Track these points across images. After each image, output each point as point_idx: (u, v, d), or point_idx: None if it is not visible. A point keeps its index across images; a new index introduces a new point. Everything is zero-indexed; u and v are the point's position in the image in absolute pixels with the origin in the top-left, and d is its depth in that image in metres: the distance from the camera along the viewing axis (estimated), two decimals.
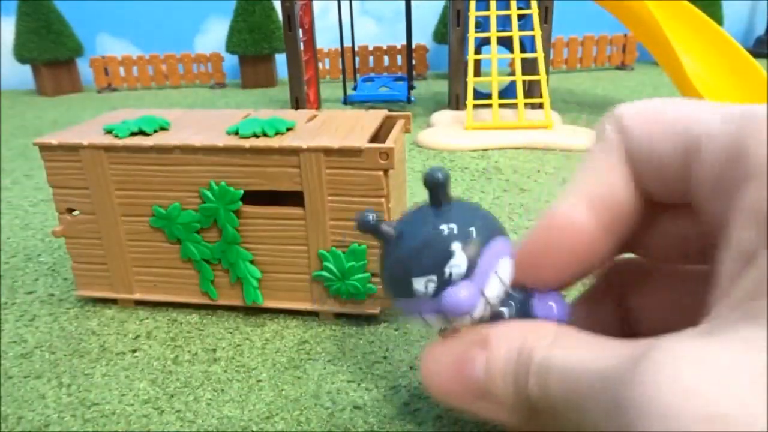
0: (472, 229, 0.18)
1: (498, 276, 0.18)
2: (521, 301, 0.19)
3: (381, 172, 0.29)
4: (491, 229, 0.19)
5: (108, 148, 0.31)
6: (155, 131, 0.32)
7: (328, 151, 0.29)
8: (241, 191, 0.31)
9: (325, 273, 0.32)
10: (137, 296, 0.34)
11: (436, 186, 0.18)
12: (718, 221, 0.16)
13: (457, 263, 0.18)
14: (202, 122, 0.34)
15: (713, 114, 0.17)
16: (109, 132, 0.32)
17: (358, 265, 0.31)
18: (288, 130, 0.32)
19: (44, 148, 0.32)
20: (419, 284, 0.18)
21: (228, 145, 0.30)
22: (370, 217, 0.19)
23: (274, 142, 0.30)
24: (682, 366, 0.12)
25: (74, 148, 0.31)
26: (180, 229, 0.32)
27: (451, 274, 0.18)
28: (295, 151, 0.30)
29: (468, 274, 0.18)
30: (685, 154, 0.17)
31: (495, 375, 0.18)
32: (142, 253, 0.33)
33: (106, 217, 0.33)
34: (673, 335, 0.14)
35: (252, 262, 0.32)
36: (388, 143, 0.29)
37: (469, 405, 0.19)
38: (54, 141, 0.32)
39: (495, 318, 0.19)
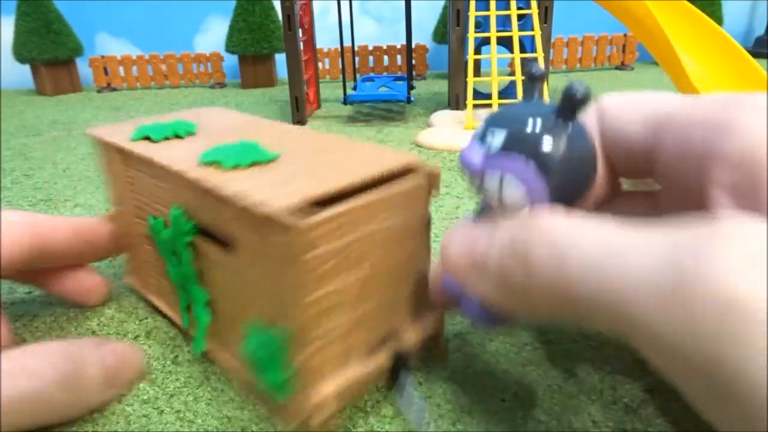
0: (536, 141, 0.19)
1: (502, 184, 0.20)
2: None
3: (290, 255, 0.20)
4: (548, 159, 0.19)
5: (119, 150, 0.31)
6: (179, 137, 0.31)
7: (244, 209, 0.22)
8: (191, 224, 0.26)
9: (245, 349, 0.25)
10: (150, 297, 0.35)
11: (568, 100, 0.19)
12: (682, 180, 0.21)
13: (497, 140, 0.20)
14: (226, 133, 0.31)
15: (677, 97, 0.22)
16: (142, 136, 0.31)
17: (271, 359, 0.23)
18: (270, 161, 0.26)
19: (93, 138, 0.33)
20: (480, 128, 0.21)
21: (179, 170, 0.25)
22: (536, 71, 0.22)
23: (221, 179, 0.24)
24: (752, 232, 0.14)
25: (102, 144, 0.33)
26: (162, 247, 0.29)
27: (491, 145, 0.20)
28: (224, 200, 0.23)
29: (497, 151, 0.20)
30: (654, 129, 0.22)
31: (491, 253, 0.20)
32: (145, 257, 0.33)
33: (128, 215, 0.33)
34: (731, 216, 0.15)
35: (207, 304, 0.28)
36: (326, 212, 0.21)
37: (470, 280, 0.21)
38: (94, 133, 0.33)
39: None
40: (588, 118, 0.24)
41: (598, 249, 0.16)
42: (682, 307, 0.14)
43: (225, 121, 0.35)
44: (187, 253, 0.27)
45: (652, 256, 0.15)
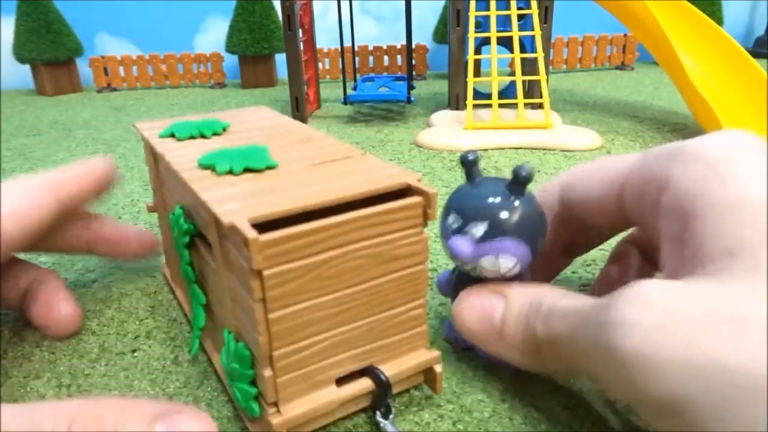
0: (511, 222, 0.24)
1: (498, 261, 0.24)
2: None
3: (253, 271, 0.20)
4: (522, 231, 0.24)
5: (148, 145, 0.32)
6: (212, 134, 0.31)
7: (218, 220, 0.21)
8: (189, 225, 0.26)
9: (222, 357, 0.25)
10: (175, 289, 0.35)
11: (518, 180, 0.24)
12: (649, 230, 0.24)
13: (479, 231, 0.24)
14: (250, 136, 0.31)
15: (634, 156, 0.25)
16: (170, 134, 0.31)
17: (242, 372, 0.23)
18: (267, 168, 0.25)
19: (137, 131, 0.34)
20: (452, 218, 0.25)
21: (177, 170, 0.26)
22: (471, 157, 0.26)
23: (205, 184, 0.24)
24: (648, 292, 0.19)
25: (142, 138, 0.33)
26: (175, 243, 0.29)
27: (468, 231, 0.25)
28: (204, 205, 0.22)
29: (482, 239, 0.24)
30: (617, 188, 0.25)
31: (509, 322, 0.24)
32: (171, 250, 0.33)
33: (161, 208, 0.33)
34: (640, 281, 0.19)
35: (204, 305, 0.28)
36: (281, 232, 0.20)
37: (489, 346, 0.25)
38: (137, 126, 0.34)
39: (514, 279, 0.26)
40: (553, 186, 0.29)
41: (569, 320, 0.22)
42: (597, 360, 0.20)
43: (259, 122, 0.34)
44: (186, 253, 0.27)
45: (590, 318, 0.20)
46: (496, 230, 0.24)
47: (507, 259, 0.24)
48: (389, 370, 0.24)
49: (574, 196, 0.28)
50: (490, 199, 0.24)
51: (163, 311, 0.35)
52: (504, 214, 0.24)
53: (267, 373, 0.22)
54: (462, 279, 0.27)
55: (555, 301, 0.23)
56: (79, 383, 0.28)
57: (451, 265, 0.31)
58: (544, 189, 0.29)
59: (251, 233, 0.19)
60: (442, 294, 0.31)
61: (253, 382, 0.23)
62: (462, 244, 0.24)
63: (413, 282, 0.24)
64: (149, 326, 0.33)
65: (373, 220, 0.22)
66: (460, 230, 0.25)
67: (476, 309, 0.25)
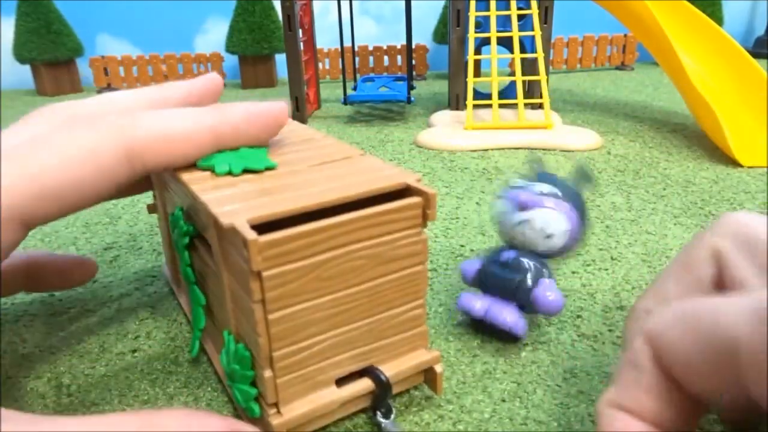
0: (573, 195, 0.30)
1: (557, 217, 0.29)
2: None
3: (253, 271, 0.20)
4: (579, 206, 0.30)
5: None
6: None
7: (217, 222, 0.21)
8: (190, 227, 0.26)
9: (222, 358, 0.25)
10: (176, 290, 0.35)
11: (582, 175, 0.31)
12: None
13: (544, 188, 0.29)
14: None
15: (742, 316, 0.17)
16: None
17: (242, 373, 0.23)
18: (267, 169, 0.25)
19: None
20: (520, 182, 0.30)
21: (176, 173, 0.25)
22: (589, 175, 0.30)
23: (205, 185, 0.24)
24: None
25: None
26: (174, 244, 0.29)
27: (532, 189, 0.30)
28: (203, 206, 0.22)
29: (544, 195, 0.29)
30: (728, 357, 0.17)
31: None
32: (171, 251, 0.33)
33: (162, 206, 0.33)
34: None
35: (204, 307, 0.27)
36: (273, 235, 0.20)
37: None
38: None
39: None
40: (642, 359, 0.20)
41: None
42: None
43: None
44: (186, 254, 0.27)
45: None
46: (560, 194, 0.29)
47: (563, 220, 0.28)
48: (389, 370, 0.24)
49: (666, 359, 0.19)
50: (559, 181, 0.30)
51: (163, 311, 0.35)
52: (567, 187, 0.29)
53: (267, 374, 0.22)
54: (490, 274, 0.30)
55: None
56: (79, 383, 0.28)
57: (475, 255, 0.35)
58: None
59: (250, 234, 0.19)
60: (466, 284, 0.32)
61: (254, 383, 0.23)
62: (524, 194, 0.29)
63: (413, 282, 0.24)
64: (149, 326, 0.33)
65: (372, 220, 0.22)
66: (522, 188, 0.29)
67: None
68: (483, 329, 0.31)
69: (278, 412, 0.22)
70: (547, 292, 0.28)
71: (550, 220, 0.28)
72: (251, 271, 0.20)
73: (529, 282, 0.29)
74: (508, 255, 0.30)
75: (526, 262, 0.29)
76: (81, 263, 0.35)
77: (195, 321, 0.28)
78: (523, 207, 0.29)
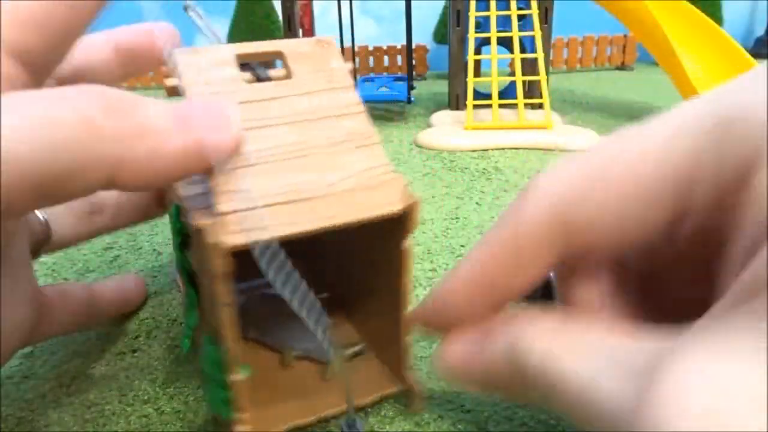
0: None
1: None
2: None
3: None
4: None
5: None
6: None
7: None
8: (182, 225, 0.25)
9: (200, 360, 0.24)
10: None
11: None
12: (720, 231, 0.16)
13: None
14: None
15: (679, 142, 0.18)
16: None
17: (214, 375, 0.22)
18: None
19: None
20: None
21: None
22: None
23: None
24: (689, 393, 0.13)
25: None
26: (173, 242, 0.28)
27: None
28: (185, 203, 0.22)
29: None
30: (676, 189, 0.17)
31: (492, 364, 0.20)
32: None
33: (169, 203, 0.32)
34: (673, 353, 0.14)
35: (195, 305, 0.27)
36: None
37: (477, 387, 0.23)
38: None
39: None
40: (535, 217, 0.21)
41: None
42: None
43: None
44: (179, 253, 0.27)
45: (621, 380, 0.15)
46: None
47: None
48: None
49: (586, 217, 0.19)
50: None
51: (163, 311, 0.35)
52: None
53: (236, 377, 0.21)
54: None
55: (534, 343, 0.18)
56: (79, 383, 0.28)
57: None
58: (516, 235, 0.20)
59: (222, 240, 0.18)
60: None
61: (225, 386, 0.22)
62: None
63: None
64: (149, 326, 0.33)
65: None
66: None
67: (459, 351, 0.22)
68: None
69: (248, 416, 0.22)
70: None
71: None
72: (221, 275, 0.19)
73: None
74: None
75: None
76: (135, 281, 0.33)
77: (187, 318, 0.28)
78: None
